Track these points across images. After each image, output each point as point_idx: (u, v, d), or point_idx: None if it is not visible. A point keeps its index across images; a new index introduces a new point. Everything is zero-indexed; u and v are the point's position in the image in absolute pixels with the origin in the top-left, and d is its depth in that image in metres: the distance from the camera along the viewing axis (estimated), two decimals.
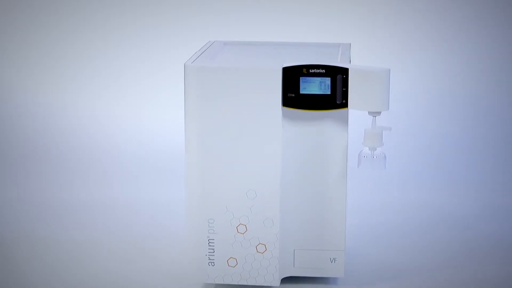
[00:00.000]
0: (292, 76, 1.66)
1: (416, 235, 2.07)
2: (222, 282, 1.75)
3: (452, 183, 2.36)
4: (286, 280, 1.79)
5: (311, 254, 1.76)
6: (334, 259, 1.75)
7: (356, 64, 1.66)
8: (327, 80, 1.65)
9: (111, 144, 2.48)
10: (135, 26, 2.61)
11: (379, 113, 1.65)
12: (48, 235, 2.04)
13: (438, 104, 2.57)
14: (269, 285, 1.74)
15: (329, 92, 1.67)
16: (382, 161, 1.66)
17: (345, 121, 1.68)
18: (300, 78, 1.66)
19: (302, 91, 1.67)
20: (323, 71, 1.65)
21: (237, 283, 1.75)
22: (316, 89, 1.67)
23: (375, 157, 1.67)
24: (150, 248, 1.98)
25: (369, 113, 1.66)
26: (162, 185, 2.32)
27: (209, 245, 1.74)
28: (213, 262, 1.75)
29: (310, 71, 1.65)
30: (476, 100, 2.57)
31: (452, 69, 2.60)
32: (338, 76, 1.65)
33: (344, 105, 1.66)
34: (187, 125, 1.70)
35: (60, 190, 2.30)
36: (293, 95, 1.67)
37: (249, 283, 1.75)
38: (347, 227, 1.77)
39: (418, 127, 2.52)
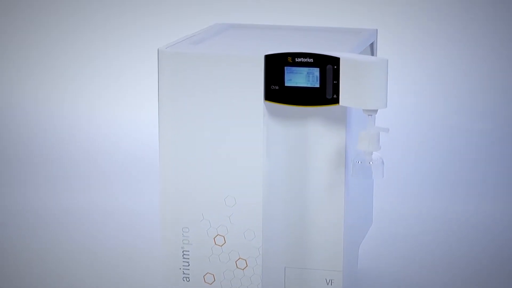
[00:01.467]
0: (275, 66, 1.37)
1: (425, 248, 1.83)
2: None
3: (458, 188, 2.13)
4: None
5: (303, 274, 1.48)
6: (331, 280, 1.46)
7: (349, 53, 1.35)
8: (316, 71, 1.36)
9: (110, 144, 2.35)
10: (135, 26, 2.49)
11: (375, 111, 1.34)
12: (40, 239, 1.88)
13: (445, 103, 2.38)
14: None
15: (318, 85, 1.37)
16: (379, 167, 1.35)
17: (340, 119, 1.40)
18: (285, 68, 1.37)
19: (287, 83, 1.38)
20: (311, 60, 1.35)
21: None
22: (303, 81, 1.37)
23: (371, 163, 1.35)
24: (123, 258, 1.78)
25: (364, 111, 1.35)
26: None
27: (184, 257, 1.48)
28: (188, 277, 1.49)
29: (296, 60, 1.36)
30: (485, 99, 2.39)
31: (461, 68, 2.42)
32: (328, 66, 1.34)
33: (336, 100, 1.35)
34: (160, 119, 1.45)
35: (59, 192, 2.13)
36: (277, 87, 1.38)
37: None
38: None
39: (424, 128, 2.33)
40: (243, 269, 1.46)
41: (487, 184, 2.15)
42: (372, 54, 1.60)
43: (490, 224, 1.95)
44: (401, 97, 2.34)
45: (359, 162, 1.35)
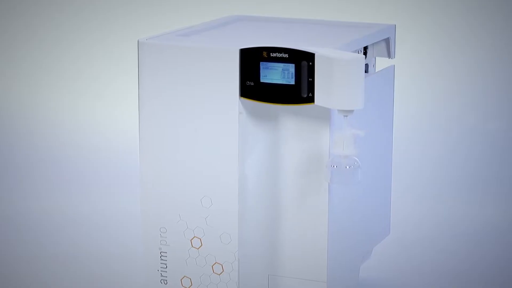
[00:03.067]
0: (251, 61, 1.28)
1: (438, 258, 1.69)
2: None
3: (462, 193, 1.99)
4: None
5: (287, 283, 1.37)
6: None
7: (327, 49, 1.24)
8: (291, 67, 1.25)
9: (110, 146, 2.26)
10: (135, 27, 2.41)
11: (350, 112, 1.23)
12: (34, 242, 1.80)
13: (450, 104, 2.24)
14: None
15: (293, 82, 1.26)
16: (355, 172, 1.23)
17: (323, 118, 1.29)
18: (260, 63, 1.26)
19: (262, 79, 1.28)
20: (286, 55, 1.25)
21: None
22: (278, 78, 1.27)
23: (347, 167, 1.23)
24: (102, 260, 1.70)
25: (339, 111, 1.23)
26: None
27: (161, 259, 1.39)
28: (166, 280, 1.40)
29: (271, 55, 1.25)
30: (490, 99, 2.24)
31: (467, 68, 2.28)
32: (303, 62, 1.24)
33: (311, 99, 1.25)
34: (140, 115, 1.37)
35: (59, 195, 2.05)
36: (252, 83, 1.28)
37: None
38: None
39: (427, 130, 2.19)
40: (219, 274, 1.36)
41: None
42: (388, 49, 1.47)
43: None
44: (410, 99, 2.22)
45: (334, 167, 1.24)
